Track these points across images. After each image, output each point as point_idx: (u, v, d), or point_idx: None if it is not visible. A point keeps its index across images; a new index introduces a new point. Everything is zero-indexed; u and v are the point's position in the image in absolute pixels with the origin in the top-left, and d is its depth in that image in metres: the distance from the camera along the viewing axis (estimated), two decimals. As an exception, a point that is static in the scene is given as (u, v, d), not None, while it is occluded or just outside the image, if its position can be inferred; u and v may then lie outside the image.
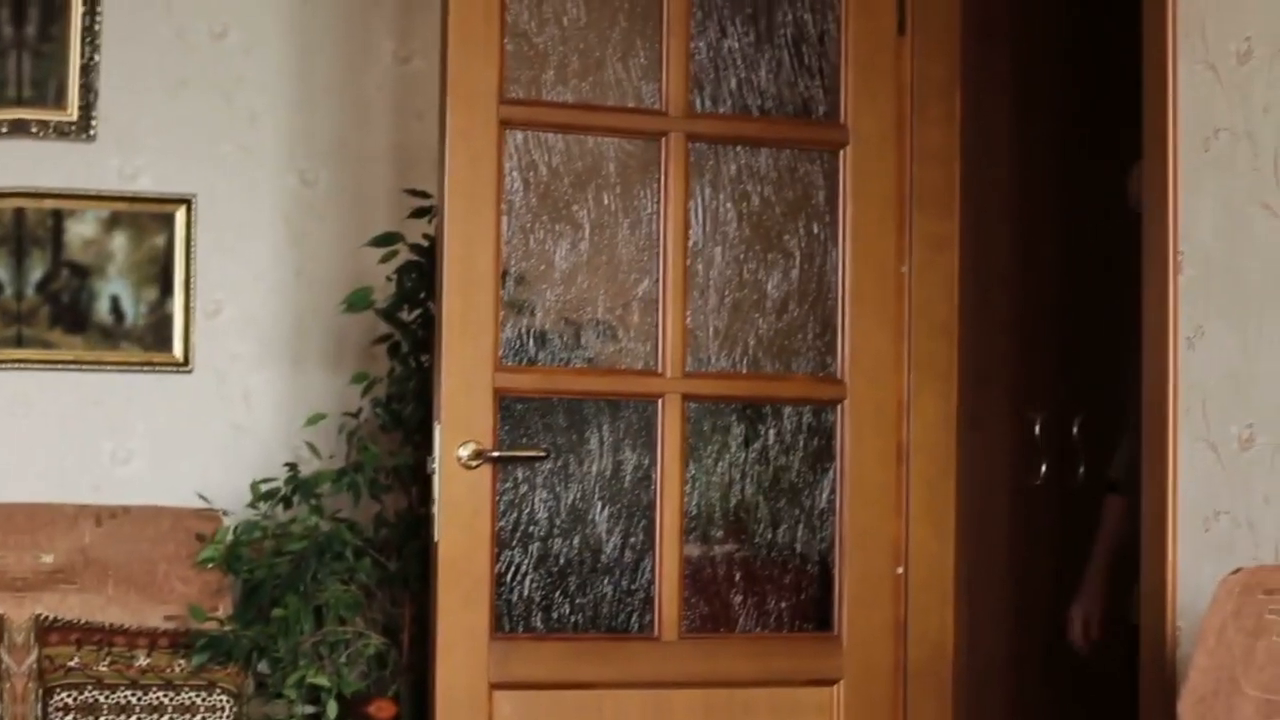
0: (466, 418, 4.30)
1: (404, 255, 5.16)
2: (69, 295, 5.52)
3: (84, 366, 5.52)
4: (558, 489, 4.42)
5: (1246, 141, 3.84)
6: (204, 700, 4.90)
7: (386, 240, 5.17)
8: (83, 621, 5.02)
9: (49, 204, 5.48)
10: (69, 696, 4.84)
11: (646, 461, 4.43)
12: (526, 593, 4.40)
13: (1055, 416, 5.51)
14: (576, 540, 4.44)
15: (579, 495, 4.44)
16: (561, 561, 4.43)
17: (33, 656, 4.97)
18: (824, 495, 4.54)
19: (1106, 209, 5.87)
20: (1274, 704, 3.27)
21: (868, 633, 4.45)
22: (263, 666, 5.02)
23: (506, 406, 4.37)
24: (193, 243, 5.56)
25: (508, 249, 4.38)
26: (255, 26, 5.67)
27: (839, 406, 4.52)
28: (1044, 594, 5.62)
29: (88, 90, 5.49)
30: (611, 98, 4.47)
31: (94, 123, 5.50)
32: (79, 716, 4.87)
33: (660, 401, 4.43)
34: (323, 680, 4.83)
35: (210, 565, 5.08)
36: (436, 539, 4.29)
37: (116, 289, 5.54)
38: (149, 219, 5.55)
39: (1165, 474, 4.02)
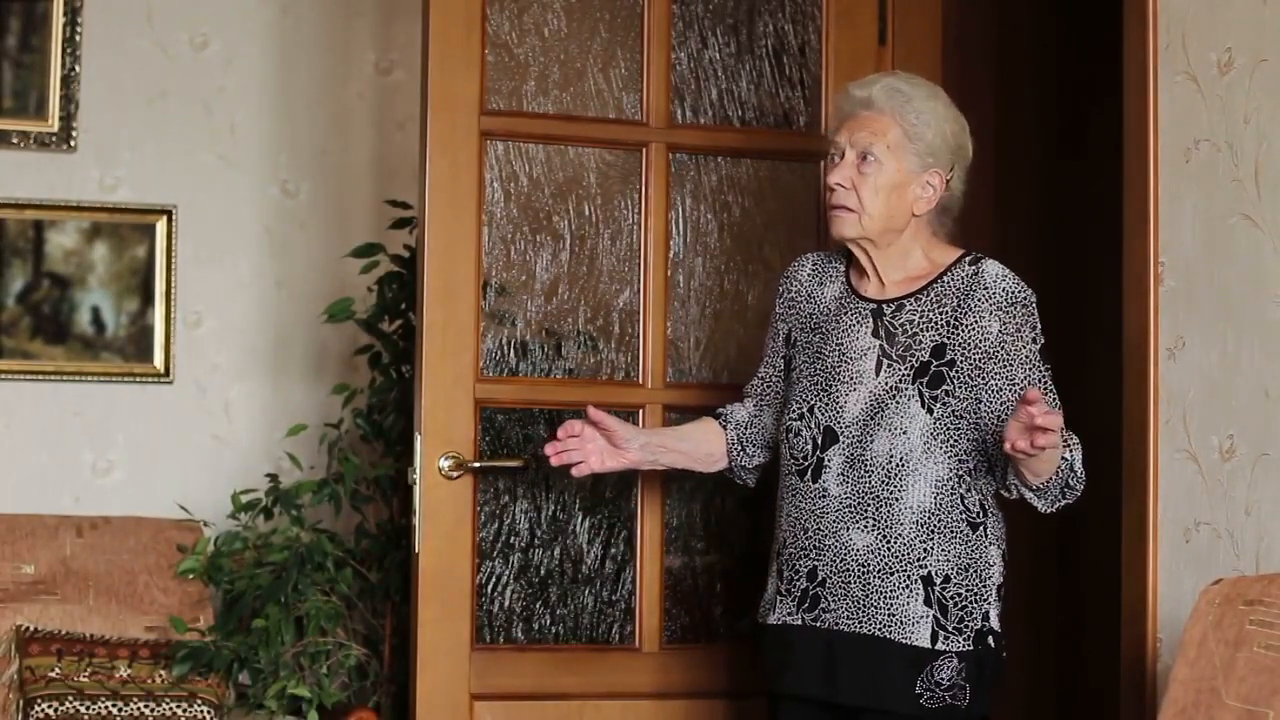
0: (447, 428, 4.30)
1: (385, 266, 5.15)
2: (50, 306, 5.51)
3: (64, 377, 5.51)
4: (539, 499, 4.42)
5: (1227, 152, 3.84)
6: (185, 711, 4.89)
7: (367, 251, 5.16)
8: (64, 632, 5.01)
9: (29, 214, 5.48)
10: (50, 707, 4.83)
11: (628, 471, 4.43)
12: (507, 603, 4.39)
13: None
14: (557, 551, 4.43)
15: (560, 506, 4.44)
16: (542, 572, 4.42)
17: (13, 667, 4.96)
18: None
19: (1085, 217, 5.89)
20: (1255, 715, 3.27)
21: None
22: (244, 677, 5.01)
23: (487, 417, 4.36)
24: (173, 253, 5.55)
25: (488, 260, 4.38)
26: (236, 37, 5.66)
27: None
28: (1021, 599, 5.61)
29: (68, 101, 5.48)
30: (592, 109, 4.47)
31: (75, 133, 5.49)
32: (59, 728, 4.87)
33: (641, 412, 4.42)
34: (304, 691, 4.82)
35: (191, 576, 5.06)
36: (417, 550, 4.29)
37: (97, 300, 5.53)
38: (130, 230, 5.54)
39: (1146, 485, 4.02)
